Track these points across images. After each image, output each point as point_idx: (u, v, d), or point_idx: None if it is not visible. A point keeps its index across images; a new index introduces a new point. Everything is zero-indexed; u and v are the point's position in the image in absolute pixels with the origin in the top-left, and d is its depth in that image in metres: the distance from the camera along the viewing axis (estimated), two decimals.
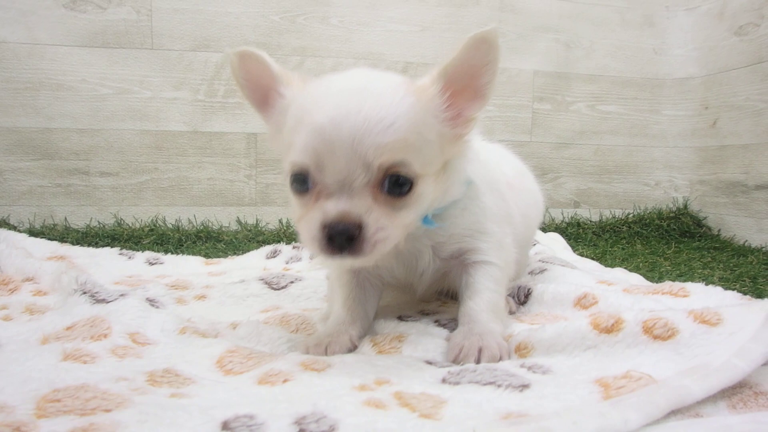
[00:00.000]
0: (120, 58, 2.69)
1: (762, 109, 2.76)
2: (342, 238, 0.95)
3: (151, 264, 1.92)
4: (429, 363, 1.01)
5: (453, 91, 1.06)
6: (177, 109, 2.77)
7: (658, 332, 0.93)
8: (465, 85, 1.07)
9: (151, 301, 1.23)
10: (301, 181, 1.00)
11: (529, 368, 0.95)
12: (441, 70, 1.06)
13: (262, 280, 1.54)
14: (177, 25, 2.75)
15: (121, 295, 1.20)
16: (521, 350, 1.05)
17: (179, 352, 1.02)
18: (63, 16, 2.61)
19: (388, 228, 0.98)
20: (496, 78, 1.09)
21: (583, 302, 1.25)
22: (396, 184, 0.99)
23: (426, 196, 1.04)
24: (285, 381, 0.88)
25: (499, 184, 1.30)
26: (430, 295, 1.41)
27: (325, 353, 1.07)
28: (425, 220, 1.11)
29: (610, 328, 0.97)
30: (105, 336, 1.04)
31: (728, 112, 2.99)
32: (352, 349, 1.12)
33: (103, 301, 1.17)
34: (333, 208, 0.96)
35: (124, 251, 1.99)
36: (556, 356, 1.00)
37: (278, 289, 1.50)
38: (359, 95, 0.98)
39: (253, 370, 0.94)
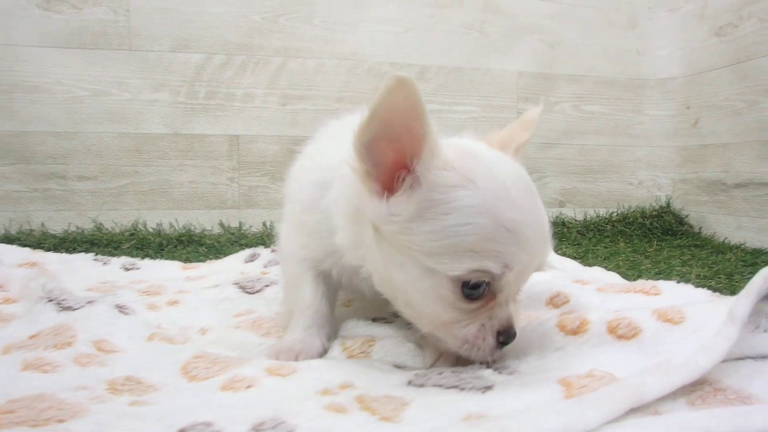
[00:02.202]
0: (97, 60, 2.66)
1: (741, 109, 2.77)
2: (511, 342, 0.97)
3: (127, 269, 1.89)
4: (398, 367, 1.01)
5: None
6: (157, 112, 2.75)
7: (621, 332, 0.94)
8: None
9: (121, 308, 1.21)
10: (476, 287, 0.91)
11: (496, 369, 0.95)
12: (519, 148, 1.09)
13: (237, 284, 1.53)
14: (156, 26, 2.72)
15: (89, 302, 1.19)
16: None
17: (145, 359, 1.01)
18: (37, 17, 2.58)
19: None
20: None
21: (555, 301, 1.26)
22: None
23: None
24: (249, 387, 0.87)
25: None
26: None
27: (296, 360, 1.04)
28: None
29: (576, 330, 0.98)
30: (69, 344, 1.03)
31: (709, 112, 3.00)
32: (323, 353, 1.11)
33: (69, 308, 1.16)
34: (506, 314, 0.96)
35: (99, 257, 1.96)
36: (524, 358, 1.00)
37: (253, 293, 1.49)
38: (532, 193, 0.96)
39: (218, 376, 0.93)
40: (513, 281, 0.92)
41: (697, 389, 0.82)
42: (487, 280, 0.90)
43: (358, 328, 1.18)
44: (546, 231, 0.95)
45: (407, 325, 1.21)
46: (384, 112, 0.85)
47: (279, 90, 2.89)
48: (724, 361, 0.85)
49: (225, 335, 1.17)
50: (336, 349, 1.11)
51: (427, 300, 0.94)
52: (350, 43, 2.95)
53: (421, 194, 0.89)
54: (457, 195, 0.89)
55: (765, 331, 0.92)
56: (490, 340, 0.94)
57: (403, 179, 0.90)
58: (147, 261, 2.02)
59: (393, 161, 0.90)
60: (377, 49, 2.98)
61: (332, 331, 1.18)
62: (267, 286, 1.53)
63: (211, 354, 1.02)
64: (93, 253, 2.03)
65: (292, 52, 2.89)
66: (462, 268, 0.88)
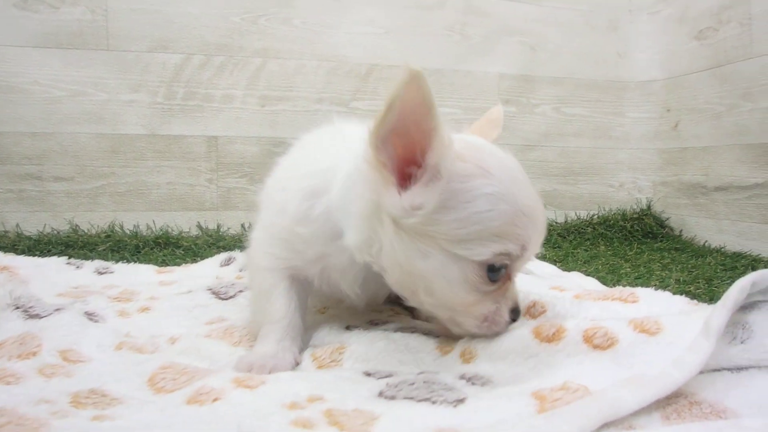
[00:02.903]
0: (74, 60, 2.62)
1: (720, 112, 2.78)
2: (518, 318, 1.09)
3: (101, 273, 1.85)
4: (368, 375, 0.99)
5: None
6: (134, 112, 2.71)
7: (597, 342, 0.92)
8: None
9: (90, 315, 1.19)
10: (497, 270, 1.00)
11: (469, 380, 0.93)
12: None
13: (210, 290, 1.50)
14: (134, 26, 2.69)
15: (57, 309, 1.16)
16: (465, 356, 1.03)
17: (111, 370, 0.99)
18: (14, 16, 2.53)
19: None
20: None
21: (531, 311, 1.23)
22: None
23: None
24: (215, 400, 0.85)
25: None
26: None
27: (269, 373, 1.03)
28: None
29: (552, 337, 0.96)
30: (34, 354, 1.00)
31: (689, 115, 3.01)
32: (295, 367, 1.09)
33: (36, 316, 1.13)
34: (514, 293, 1.07)
35: (72, 260, 1.91)
36: (498, 364, 0.98)
37: (226, 299, 1.46)
38: (527, 180, 1.04)
39: (185, 387, 0.90)
40: (523, 265, 1.05)
41: (672, 402, 0.81)
42: (507, 262, 0.99)
43: (330, 336, 1.16)
44: (540, 206, 1.03)
45: (381, 332, 1.20)
46: (401, 104, 0.88)
47: (258, 91, 2.86)
48: (701, 372, 0.84)
49: (195, 345, 1.13)
50: (306, 360, 1.08)
51: (451, 285, 0.99)
52: (330, 45, 2.93)
53: (441, 185, 0.93)
54: (477, 184, 0.95)
55: (741, 342, 0.91)
56: (506, 317, 1.04)
57: (417, 173, 0.94)
58: (121, 265, 1.98)
59: (402, 157, 0.94)
60: (358, 50, 2.96)
61: (304, 342, 1.16)
62: (240, 291, 1.49)
63: (179, 364, 0.99)
64: (66, 257, 1.98)
65: (272, 52, 2.86)
66: (487, 252, 0.96)
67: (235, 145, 2.84)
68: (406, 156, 0.94)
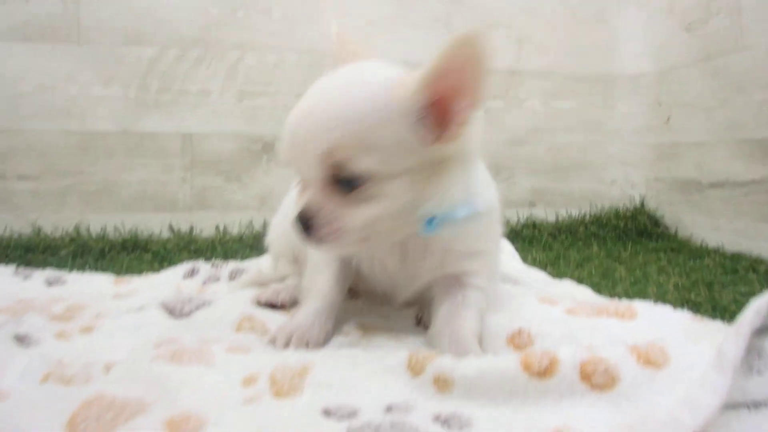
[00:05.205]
0: (43, 53, 2.50)
1: (712, 107, 2.67)
2: (304, 227, 1.07)
3: (51, 284, 1.69)
4: (328, 414, 0.85)
5: (438, 91, 1.03)
6: (105, 107, 2.59)
7: (597, 380, 0.79)
8: (452, 85, 1.03)
9: (21, 339, 1.06)
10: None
11: (444, 422, 0.79)
12: (424, 73, 1.03)
13: (164, 305, 1.35)
14: (106, 18, 2.57)
15: None
16: (440, 382, 0.88)
17: (29, 408, 0.84)
18: None
19: (341, 219, 1.05)
20: (482, 80, 1.02)
21: (516, 341, 1.10)
22: (346, 180, 1.03)
23: (394, 194, 1.06)
24: None
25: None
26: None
27: (307, 347, 1.14)
28: (428, 223, 1.11)
29: (543, 372, 0.82)
30: None
31: (681, 109, 2.90)
32: (329, 339, 1.19)
33: None
34: (301, 200, 1.08)
35: (21, 269, 1.76)
36: (478, 399, 0.84)
37: (179, 317, 1.31)
38: (323, 92, 1.06)
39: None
40: (293, 167, 1.09)
41: None
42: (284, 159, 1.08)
43: (294, 356, 1.04)
44: (305, 114, 1.04)
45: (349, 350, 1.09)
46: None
47: (236, 86, 2.75)
48: None
49: (131, 371, 0.98)
50: (262, 382, 0.93)
51: None
52: (310, 38, 2.81)
53: None
54: None
55: (758, 373, 0.78)
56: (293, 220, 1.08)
57: None
58: (74, 275, 1.81)
59: None
60: None
61: (337, 319, 1.25)
62: (198, 308, 1.34)
63: (108, 396, 0.84)
64: (15, 265, 1.83)
65: (250, 46, 2.75)
66: None
67: (211, 141, 2.72)
68: None
